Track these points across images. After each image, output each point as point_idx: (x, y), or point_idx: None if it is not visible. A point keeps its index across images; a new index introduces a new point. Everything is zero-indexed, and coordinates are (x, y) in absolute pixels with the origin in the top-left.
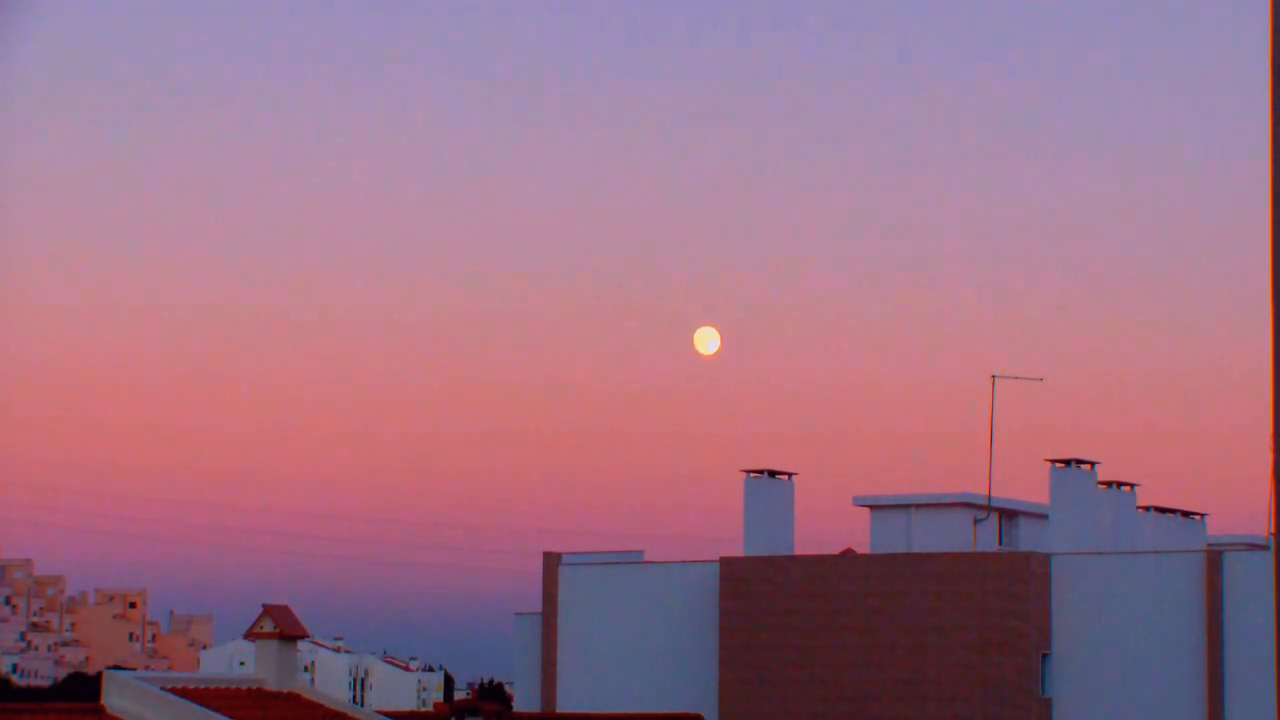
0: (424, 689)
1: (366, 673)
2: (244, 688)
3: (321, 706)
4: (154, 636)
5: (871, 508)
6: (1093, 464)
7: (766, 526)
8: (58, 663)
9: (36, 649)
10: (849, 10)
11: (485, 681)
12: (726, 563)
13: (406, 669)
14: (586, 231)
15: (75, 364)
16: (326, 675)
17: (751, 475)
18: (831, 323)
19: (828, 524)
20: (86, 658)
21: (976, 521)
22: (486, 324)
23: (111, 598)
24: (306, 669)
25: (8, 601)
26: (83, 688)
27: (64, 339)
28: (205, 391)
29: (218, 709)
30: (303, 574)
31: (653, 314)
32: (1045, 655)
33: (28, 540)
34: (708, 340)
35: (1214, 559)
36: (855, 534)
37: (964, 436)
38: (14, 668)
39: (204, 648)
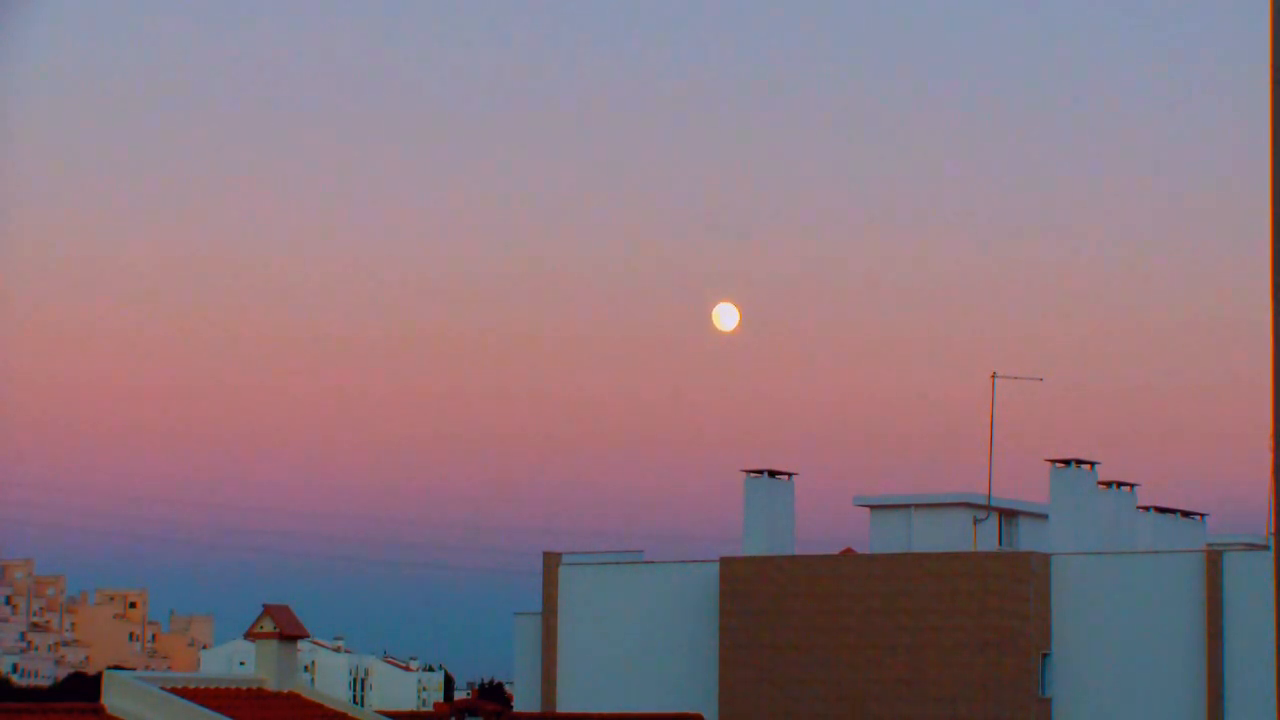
0: (424, 689)
1: (366, 673)
2: (244, 688)
3: (321, 706)
4: (154, 636)
5: (871, 508)
6: (1093, 464)
7: (766, 526)
8: (58, 663)
9: (36, 649)
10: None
11: (485, 681)
12: (726, 563)
13: (406, 669)
14: (591, 233)
15: (75, 364)
16: (326, 675)
17: (751, 475)
18: (831, 322)
19: (828, 524)
20: (86, 658)
21: (976, 521)
22: (486, 325)
23: (111, 598)
24: (306, 669)
25: (8, 601)
26: (83, 688)
27: (63, 339)
28: (205, 391)
29: (218, 709)
30: (303, 574)
31: (654, 312)
32: (1045, 655)
33: (28, 540)
34: (725, 316)
35: (1214, 559)
36: (855, 534)
37: (964, 436)
38: (14, 668)
39: (204, 648)
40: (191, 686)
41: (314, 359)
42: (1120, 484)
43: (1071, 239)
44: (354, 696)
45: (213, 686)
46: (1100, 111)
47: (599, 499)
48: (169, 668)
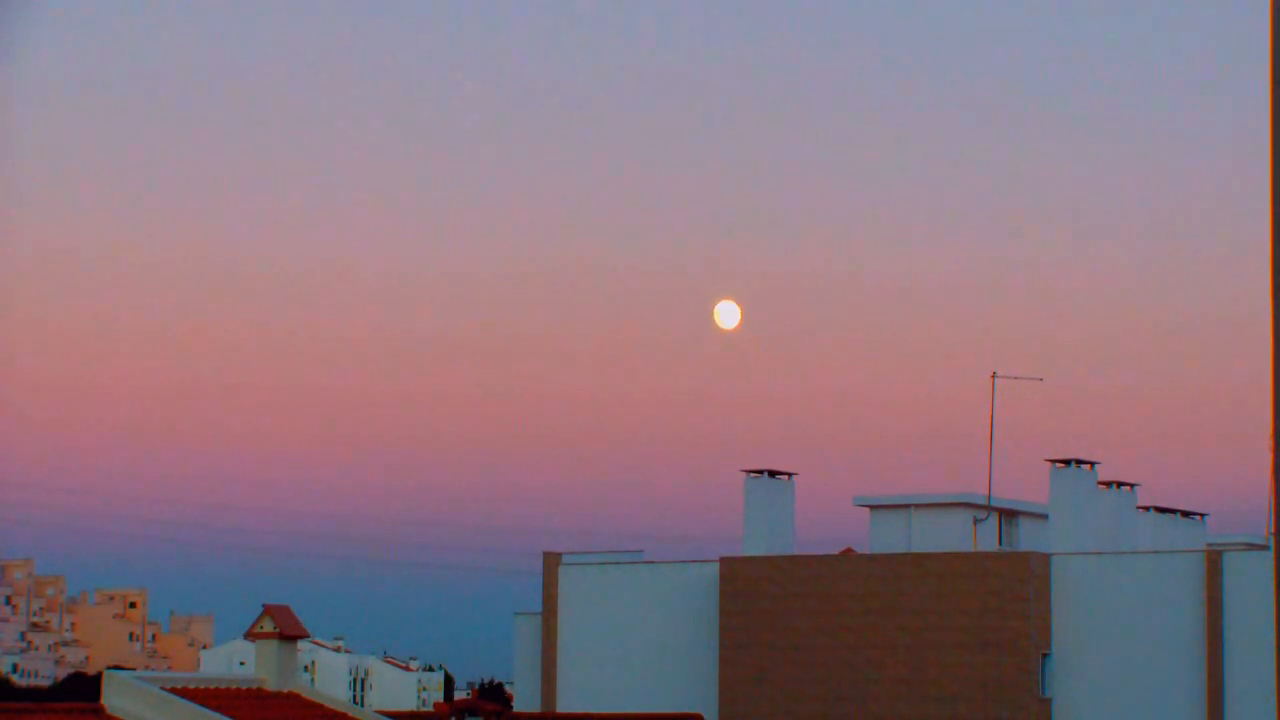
0: (424, 689)
1: (366, 673)
2: (244, 688)
3: (321, 706)
4: (154, 636)
5: (871, 508)
6: (1093, 464)
7: (766, 526)
8: (58, 663)
9: (36, 649)
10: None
11: (485, 681)
12: (726, 563)
13: (406, 669)
14: (592, 233)
15: (75, 364)
16: (326, 675)
17: (751, 475)
18: (831, 322)
19: (828, 524)
20: (86, 658)
21: (976, 521)
22: (486, 325)
23: (111, 598)
24: (306, 669)
25: (8, 601)
26: (83, 688)
27: (64, 339)
28: (205, 391)
29: (218, 709)
30: (303, 574)
31: (655, 311)
32: (1045, 655)
33: (28, 540)
34: (726, 314)
35: (1214, 559)
36: (855, 534)
37: (964, 436)
38: (14, 668)
39: (204, 648)
40: (191, 686)
41: (314, 359)
42: (1120, 484)
43: (1071, 239)
44: (354, 696)
45: (213, 686)
46: (1100, 111)
47: (599, 499)
48: (169, 668)
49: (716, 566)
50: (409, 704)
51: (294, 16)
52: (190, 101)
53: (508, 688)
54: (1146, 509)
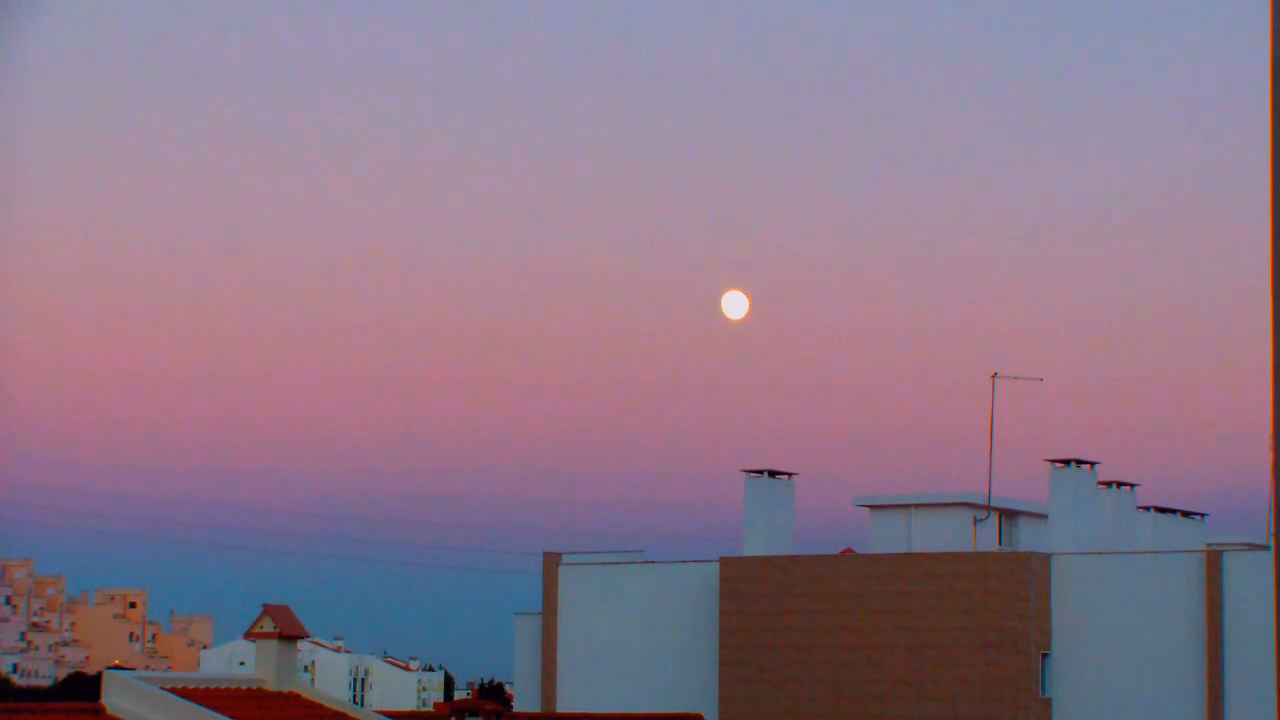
0: (424, 689)
1: (366, 673)
2: (244, 688)
3: (321, 706)
4: (154, 636)
5: (871, 508)
6: (1093, 464)
7: (766, 526)
8: (58, 663)
9: (36, 649)
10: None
11: (485, 681)
12: (726, 563)
13: (406, 669)
14: (591, 234)
15: (75, 363)
16: (326, 675)
17: (751, 475)
18: (831, 323)
19: (828, 524)
20: (86, 658)
21: (976, 521)
22: (486, 324)
23: (111, 598)
24: (306, 669)
25: (8, 601)
26: (83, 688)
27: (64, 338)
28: (205, 391)
29: (218, 709)
30: (303, 574)
31: (652, 313)
32: (1045, 655)
33: (28, 540)
34: (733, 305)
35: (1214, 559)
36: (855, 534)
37: (964, 436)
38: (14, 668)
39: (204, 648)
40: (191, 686)
41: (314, 358)
42: (1120, 484)
43: (1072, 239)
44: (354, 696)
45: (213, 686)
46: (1100, 110)
47: (599, 499)
48: (169, 668)
49: (716, 566)
50: (409, 704)
51: (295, 15)
52: (187, 94)
53: (508, 688)
54: (1146, 509)
